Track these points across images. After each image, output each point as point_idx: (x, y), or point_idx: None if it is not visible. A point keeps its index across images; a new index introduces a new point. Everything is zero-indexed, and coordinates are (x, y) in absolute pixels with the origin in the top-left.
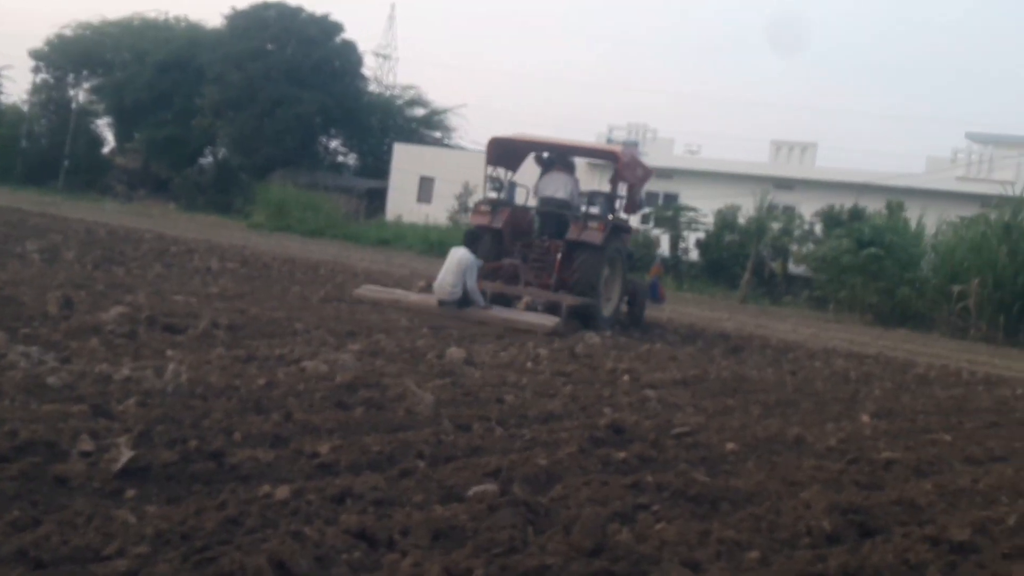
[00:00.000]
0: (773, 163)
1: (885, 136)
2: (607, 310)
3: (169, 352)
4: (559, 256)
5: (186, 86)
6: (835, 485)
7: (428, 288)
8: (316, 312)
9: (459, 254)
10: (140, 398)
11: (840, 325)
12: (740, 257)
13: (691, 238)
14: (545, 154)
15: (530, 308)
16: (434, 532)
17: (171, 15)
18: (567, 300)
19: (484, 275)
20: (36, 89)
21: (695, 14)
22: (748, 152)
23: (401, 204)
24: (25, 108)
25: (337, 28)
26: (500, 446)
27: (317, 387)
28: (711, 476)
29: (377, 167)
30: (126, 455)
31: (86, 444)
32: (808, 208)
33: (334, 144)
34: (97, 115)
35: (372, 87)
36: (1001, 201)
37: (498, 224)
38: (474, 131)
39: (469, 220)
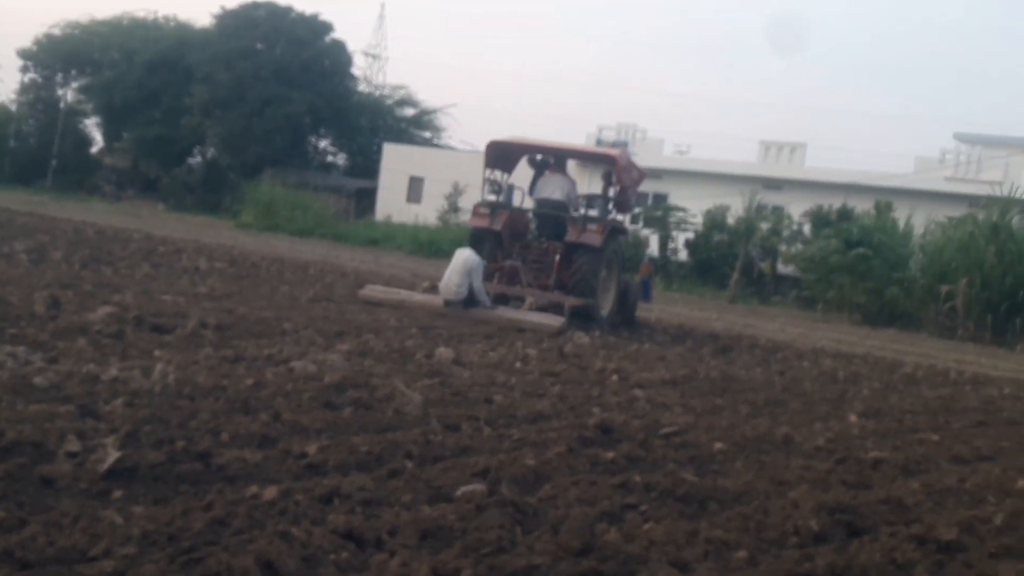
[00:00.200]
0: (762, 163)
1: (874, 136)
2: (604, 310)
3: (157, 352)
4: (557, 257)
5: (175, 86)
6: (823, 485)
7: (432, 288)
8: (305, 312)
9: (465, 255)
10: (127, 398)
11: (828, 325)
12: (729, 257)
13: (680, 238)
14: (539, 156)
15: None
16: (422, 532)
17: (160, 14)
18: (570, 301)
19: (484, 276)
20: (24, 89)
21: (686, 15)
22: (737, 152)
23: (390, 204)
24: (13, 108)
25: (327, 28)
26: (488, 446)
27: (305, 387)
28: (699, 476)
29: (366, 167)
30: (113, 455)
31: (73, 444)
32: (797, 208)
33: (323, 144)
34: (85, 115)
35: (362, 87)
36: (989, 201)
37: (497, 226)
38: (464, 131)
39: (469, 222)
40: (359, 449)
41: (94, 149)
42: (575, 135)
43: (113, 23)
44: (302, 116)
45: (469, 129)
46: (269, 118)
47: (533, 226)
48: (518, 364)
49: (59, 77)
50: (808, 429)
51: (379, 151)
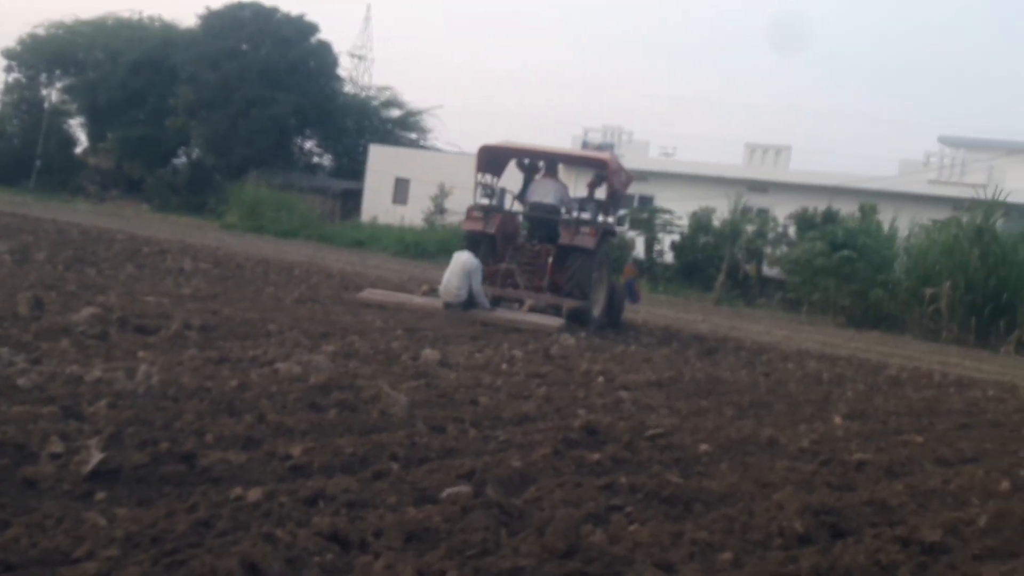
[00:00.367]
0: (747, 166)
1: (859, 139)
2: (596, 311)
3: (141, 353)
4: (550, 260)
5: (160, 86)
6: (807, 486)
7: (431, 292)
8: (290, 313)
9: (463, 258)
10: (111, 399)
11: (813, 327)
12: (715, 259)
13: (666, 240)
14: (526, 160)
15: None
16: (407, 534)
17: (145, 15)
18: (568, 303)
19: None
20: (8, 89)
21: (672, 17)
22: (723, 155)
23: (376, 205)
24: None
25: (312, 28)
26: (474, 448)
27: (290, 389)
28: (684, 477)
29: (352, 168)
30: (96, 457)
31: (56, 446)
32: (782, 210)
33: (309, 145)
34: (70, 115)
35: (347, 88)
36: (973, 204)
37: (491, 229)
38: (449, 132)
39: (462, 225)
40: (344, 451)
41: (78, 149)
42: (560, 137)
43: (97, 23)
44: (287, 117)
45: (455, 131)
46: (254, 119)
47: (525, 229)
48: (504, 366)
49: (43, 77)
50: (793, 431)
51: (365, 152)
